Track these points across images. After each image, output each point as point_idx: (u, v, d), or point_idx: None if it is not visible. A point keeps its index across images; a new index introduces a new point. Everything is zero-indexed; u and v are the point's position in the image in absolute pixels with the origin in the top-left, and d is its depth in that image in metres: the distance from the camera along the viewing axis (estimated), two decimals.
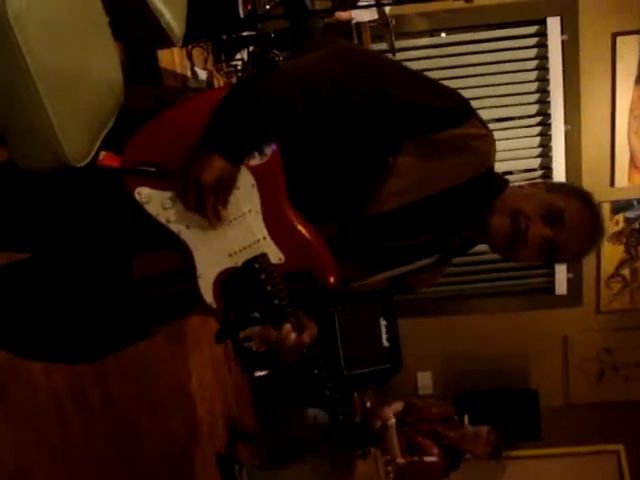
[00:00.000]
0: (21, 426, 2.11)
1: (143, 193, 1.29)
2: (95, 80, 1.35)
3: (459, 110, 1.38)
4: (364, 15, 4.03)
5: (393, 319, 4.56)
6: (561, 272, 5.06)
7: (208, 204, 1.28)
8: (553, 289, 5.12)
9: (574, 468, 5.27)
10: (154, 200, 1.29)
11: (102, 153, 1.29)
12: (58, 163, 1.20)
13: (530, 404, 5.07)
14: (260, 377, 4.60)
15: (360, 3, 3.72)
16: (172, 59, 3.45)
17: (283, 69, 1.35)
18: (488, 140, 1.43)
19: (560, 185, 1.52)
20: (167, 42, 1.77)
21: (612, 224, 4.89)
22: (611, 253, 4.97)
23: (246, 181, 1.31)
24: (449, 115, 1.36)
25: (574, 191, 1.48)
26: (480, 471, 4.94)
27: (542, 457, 5.26)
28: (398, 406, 3.95)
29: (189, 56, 3.68)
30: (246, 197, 1.31)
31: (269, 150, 1.31)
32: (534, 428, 5.05)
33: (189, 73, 3.69)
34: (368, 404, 4.24)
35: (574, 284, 5.09)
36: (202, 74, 3.87)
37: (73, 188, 1.34)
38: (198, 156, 1.27)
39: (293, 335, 1.33)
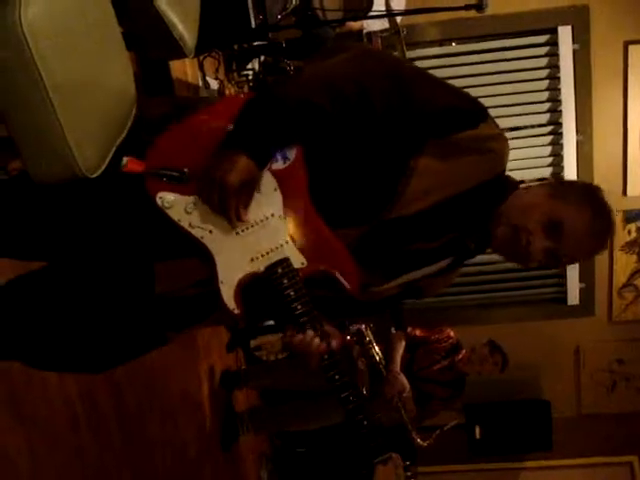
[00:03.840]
0: (34, 433, 2.12)
1: (165, 198, 1.29)
2: (108, 91, 1.36)
3: (476, 111, 1.41)
4: (375, 25, 4.03)
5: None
6: (573, 282, 5.04)
7: (231, 205, 1.28)
8: (565, 299, 5.09)
9: None
10: (176, 205, 1.29)
11: (126, 159, 1.29)
12: (71, 174, 1.21)
13: (542, 414, 5.04)
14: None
15: (371, 13, 3.72)
16: (184, 69, 3.47)
17: (308, 73, 1.36)
18: (503, 140, 1.45)
19: (565, 189, 1.50)
20: (179, 53, 1.78)
21: (624, 234, 4.86)
22: (624, 263, 4.94)
23: (269, 185, 1.31)
24: (468, 116, 1.38)
25: (577, 194, 1.47)
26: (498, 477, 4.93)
27: (554, 468, 5.22)
28: (397, 365, 3.91)
29: (201, 66, 3.70)
30: (269, 201, 1.31)
31: (292, 155, 1.31)
32: (546, 439, 5.01)
33: (201, 83, 3.71)
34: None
35: (586, 294, 5.06)
36: (214, 84, 3.89)
37: (94, 198, 1.35)
38: (223, 157, 1.27)
39: (317, 340, 1.33)
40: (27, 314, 1.46)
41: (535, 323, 5.10)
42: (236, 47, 4.04)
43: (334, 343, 1.35)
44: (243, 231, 1.31)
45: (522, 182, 1.51)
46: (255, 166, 1.27)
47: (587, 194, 1.48)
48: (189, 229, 1.30)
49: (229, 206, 1.28)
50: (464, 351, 4.02)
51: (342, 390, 1.36)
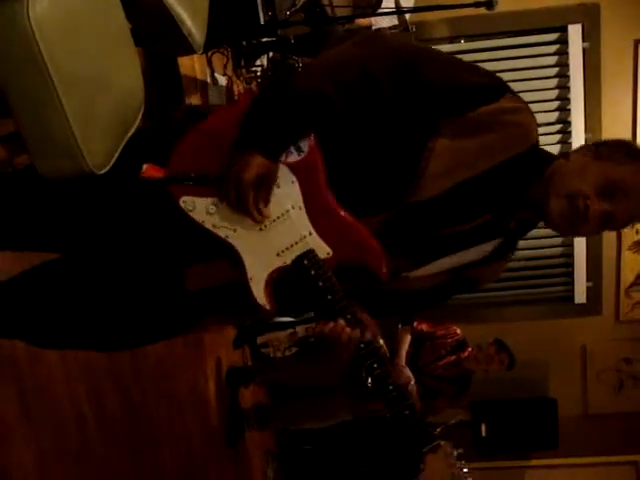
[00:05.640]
0: (41, 432, 2.12)
1: (188, 201, 1.31)
2: (116, 87, 1.36)
3: (493, 85, 1.38)
4: (384, 22, 4.02)
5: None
6: (581, 281, 5.02)
7: (250, 202, 1.28)
8: (572, 297, 5.08)
9: (592, 479, 5.22)
10: (199, 207, 1.31)
11: (145, 166, 1.30)
12: (79, 170, 1.21)
13: (548, 413, 5.03)
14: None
15: (380, 10, 3.72)
16: (192, 65, 3.46)
17: (313, 64, 1.37)
18: (527, 113, 1.40)
19: (608, 149, 1.43)
20: (188, 49, 1.78)
21: (632, 233, 4.84)
22: (631, 262, 4.92)
23: (286, 178, 1.31)
24: (483, 91, 1.35)
25: (623, 152, 1.41)
26: (498, 478, 4.92)
27: (560, 467, 5.21)
28: (402, 359, 3.91)
29: (209, 62, 3.70)
30: (288, 194, 1.31)
31: (306, 146, 1.31)
32: (552, 437, 5.00)
33: (209, 79, 3.70)
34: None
35: (593, 293, 5.04)
36: (222, 80, 3.88)
37: (120, 203, 1.37)
38: (236, 156, 1.28)
39: (348, 329, 1.31)
40: (51, 298, 1.50)
41: (542, 322, 5.08)
42: (244, 43, 4.03)
43: (367, 333, 1.33)
44: (266, 227, 1.32)
45: (559, 156, 1.46)
46: (268, 161, 1.28)
47: (630, 150, 1.42)
48: (214, 230, 1.32)
49: (248, 202, 1.29)
50: (470, 349, 4.02)
51: (382, 380, 1.34)
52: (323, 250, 1.31)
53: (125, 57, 1.43)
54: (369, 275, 1.35)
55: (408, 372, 3.78)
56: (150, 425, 2.91)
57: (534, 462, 5.23)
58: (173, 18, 1.63)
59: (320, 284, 1.30)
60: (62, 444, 2.23)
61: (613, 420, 5.17)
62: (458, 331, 4.06)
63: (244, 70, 4.27)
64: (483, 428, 5.02)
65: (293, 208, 1.31)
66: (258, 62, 4.27)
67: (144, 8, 1.62)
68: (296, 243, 1.31)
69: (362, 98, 1.31)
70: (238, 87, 4.22)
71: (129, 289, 1.47)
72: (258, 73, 4.33)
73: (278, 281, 1.34)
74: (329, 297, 1.30)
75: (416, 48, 1.40)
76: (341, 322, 1.31)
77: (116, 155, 1.32)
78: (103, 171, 1.27)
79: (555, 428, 5.01)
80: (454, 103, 1.33)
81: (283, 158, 1.31)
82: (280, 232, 1.32)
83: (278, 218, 1.32)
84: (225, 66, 3.96)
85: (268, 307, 1.32)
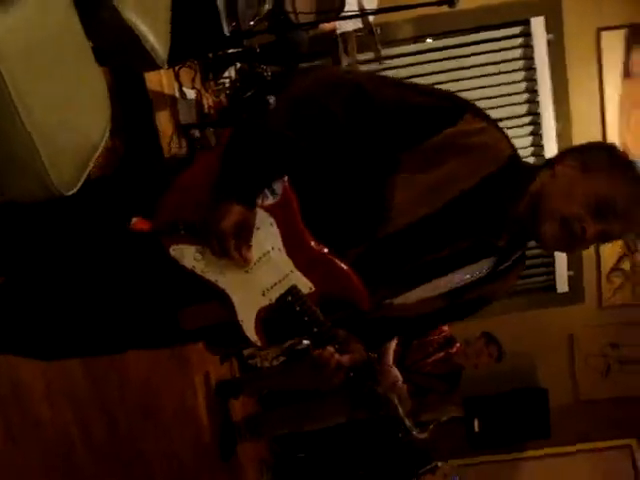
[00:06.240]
0: (28, 460, 2.09)
1: (177, 249, 1.38)
2: (79, 105, 1.35)
3: (450, 108, 1.35)
4: (348, 25, 4.03)
5: None
6: (562, 270, 5.06)
7: (231, 249, 1.33)
8: (554, 287, 5.11)
9: (587, 465, 5.25)
10: (187, 254, 1.38)
11: (133, 219, 1.36)
12: (46, 190, 1.20)
13: (539, 403, 5.06)
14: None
15: (343, 14, 3.72)
16: (160, 80, 3.45)
17: (275, 107, 1.40)
18: (491, 132, 1.37)
19: (591, 159, 1.38)
20: (152, 65, 1.77)
21: None
22: (610, 248, 4.95)
23: (265, 221, 1.36)
24: (439, 114, 1.33)
25: (608, 161, 1.37)
26: (493, 472, 4.93)
27: (554, 456, 5.23)
28: (393, 352, 3.91)
29: (177, 77, 3.69)
30: (267, 236, 1.36)
31: (280, 188, 1.36)
32: (544, 427, 5.03)
33: (177, 94, 3.69)
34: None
35: (575, 281, 5.08)
36: (191, 94, 3.88)
37: (112, 254, 1.43)
38: (214, 207, 1.32)
39: (336, 356, 1.36)
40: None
41: (526, 313, 5.11)
42: (211, 56, 4.03)
43: (344, 357, 1.37)
44: (251, 268, 1.37)
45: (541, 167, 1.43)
46: (245, 208, 1.32)
47: (614, 158, 1.39)
48: (203, 274, 1.38)
49: (230, 250, 1.33)
50: (458, 344, 4.02)
51: (378, 404, 1.41)
52: (305, 285, 1.36)
53: (87, 75, 1.42)
54: (352, 306, 1.38)
55: (395, 372, 3.78)
56: (139, 443, 2.88)
57: (529, 453, 5.25)
58: (134, 34, 1.61)
59: (305, 318, 1.36)
60: (52, 473, 2.20)
61: (604, 405, 5.20)
62: (445, 327, 4.07)
63: (212, 83, 4.26)
64: (476, 423, 5.03)
65: (273, 249, 1.36)
66: (226, 74, 4.27)
67: (104, 25, 1.61)
68: (280, 281, 1.37)
69: (325, 135, 1.33)
70: (207, 100, 4.21)
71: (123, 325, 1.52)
72: (227, 85, 4.32)
73: (267, 317, 1.39)
74: (315, 329, 1.36)
75: (370, 77, 1.42)
76: (329, 349, 1.36)
77: (84, 175, 1.30)
78: (71, 192, 1.26)
79: (547, 417, 5.03)
80: (409, 129, 1.32)
81: (259, 202, 1.35)
82: (264, 272, 1.37)
83: (260, 259, 1.37)
84: (193, 80, 3.95)
85: (259, 343, 1.39)
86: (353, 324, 1.44)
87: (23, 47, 1.18)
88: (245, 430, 4.15)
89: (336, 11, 3.72)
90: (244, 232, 1.34)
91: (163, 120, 3.42)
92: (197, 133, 3.88)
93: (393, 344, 3.96)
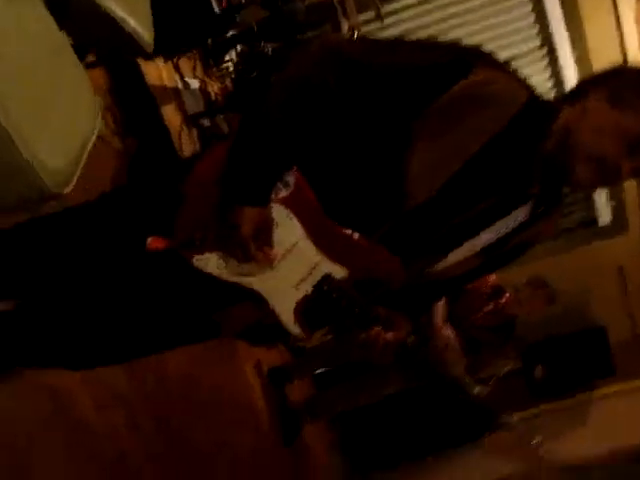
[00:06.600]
0: (80, 466, 2.07)
1: (200, 259, 1.34)
2: (63, 103, 1.32)
3: (458, 61, 1.27)
4: None
5: None
6: (602, 202, 4.91)
7: (255, 252, 1.31)
8: (595, 220, 4.98)
9: None
10: (210, 262, 1.35)
11: (149, 239, 1.34)
12: (39, 191, 1.14)
13: (599, 341, 4.94)
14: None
15: None
16: (159, 75, 3.38)
17: (264, 100, 1.32)
18: (505, 79, 1.30)
19: (618, 89, 1.29)
20: (138, 49, 1.71)
21: None
22: None
23: (282, 215, 1.33)
24: (448, 69, 1.26)
25: (638, 91, 1.27)
26: (561, 419, 4.82)
27: (622, 393, 5.10)
28: (443, 311, 3.81)
29: (176, 68, 3.62)
30: (288, 230, 1.34)
31: (292, 179, 1.31)
32: (607, 365, 4.91)
33: (180, 85, 3.63)
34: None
35: (617, 211, 4.94)
36: (194, 83, 3.81)
37: (137, 276, 1.40)
38: (228, 214, 1.29)
39: (383, 334, 1.36)
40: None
41: (572, 251, 4.97)
42: (210, 42, 3.96)
43: (389, 335, 1.37)
44: (278, 264, 1.35)
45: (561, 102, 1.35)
46: (259, 209, 1.29)
47: None
48: (231, 279, 1.36)
49: (253, 254, 1.31)
50: (507, 294, 3.91)
51: (433, 374, 1.40)
52: (338, 272, 1.35)
53: (67, 71, 1.39)
54: (388, 284, 1.39)
55: (447, 331, 3.69)
56: (194, 440, 2.85)
57: (595, 393, 5.12)
58: (111, 18, 1.55)
59: (344, 304, 1.35)
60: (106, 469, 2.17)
61: None
62: (490, 278, 3.93)
63: (215, 69, 4.19)
64: (537, 371, 4.93)
65: (299, 240, 1.34)
66: (227, 58, 4.19)
67: (79, 16, 1.54)
68: (311, 272, 1.36)
69: (325, 115, 1.28)
70: (213, 87, 4.14)
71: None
72: (230, 69, 4.25)
73: (306, 308, 1.37)
74: (356, 311, 1.36)
75: (365, 41, 1.40)
76: (375, 329, 1.36)
77: (78, 171, 1.25)
78: (67, 190, 1.20)
79: (608, 355, 4.92)
80: (413, 93, 1.25)
81: (273, 196, 1.31)
82: (293, 265, 1.35)
83: (287, 253, 1.35)
84: (194, 69, 3.89)
85: (302, 335, 1.39)
86: (395, 298, 1.42)
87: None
88: (305, 414, 4.12)
89: None
90: (264, 232, 1.31)
91: (170, 113, 3.35)
92: (207, 122, 3.82)
93: (441, 303, 3.86)
